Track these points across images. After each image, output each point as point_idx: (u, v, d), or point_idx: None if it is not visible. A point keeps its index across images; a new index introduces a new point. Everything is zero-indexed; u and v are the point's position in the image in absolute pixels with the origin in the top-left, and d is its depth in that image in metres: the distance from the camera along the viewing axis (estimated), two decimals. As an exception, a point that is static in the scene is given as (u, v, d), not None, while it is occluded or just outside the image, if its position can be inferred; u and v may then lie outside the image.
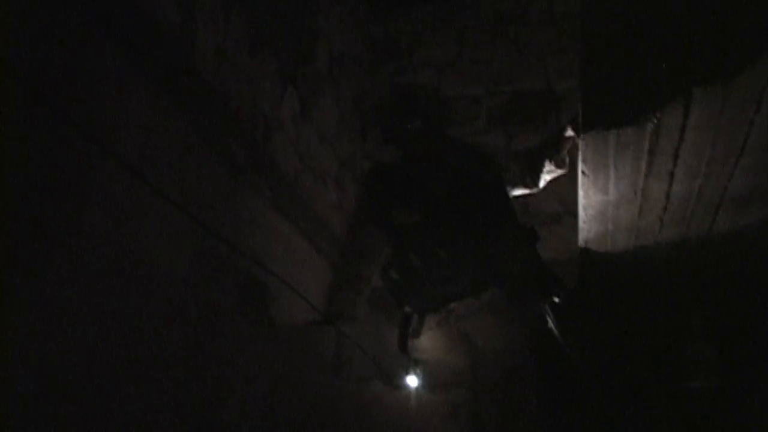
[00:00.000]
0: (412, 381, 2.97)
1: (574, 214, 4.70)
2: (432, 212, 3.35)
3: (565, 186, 5.04)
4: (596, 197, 3.54)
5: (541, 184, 3.76)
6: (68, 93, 2.03)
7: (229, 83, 3.23)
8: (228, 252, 2.91)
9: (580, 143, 3.16)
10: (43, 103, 1.91)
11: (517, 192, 3.80)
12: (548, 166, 3.74)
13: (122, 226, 2.28)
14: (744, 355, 3.58)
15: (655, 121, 2.92)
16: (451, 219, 3.33)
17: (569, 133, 3.63)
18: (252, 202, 3.27)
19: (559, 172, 3.80)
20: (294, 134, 4.03)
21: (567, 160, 3.79)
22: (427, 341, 4.24)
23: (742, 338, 3.51)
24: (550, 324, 3.40)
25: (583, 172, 3.39)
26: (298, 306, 3.61)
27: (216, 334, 2.75)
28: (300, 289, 3.66)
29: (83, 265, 2.08)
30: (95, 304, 2.12)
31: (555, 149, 3.75)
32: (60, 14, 2.01)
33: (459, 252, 3.36)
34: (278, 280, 3.33)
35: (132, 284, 2.31)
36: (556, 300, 3.44)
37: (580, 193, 3.57)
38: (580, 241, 3.97)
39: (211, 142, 2.90)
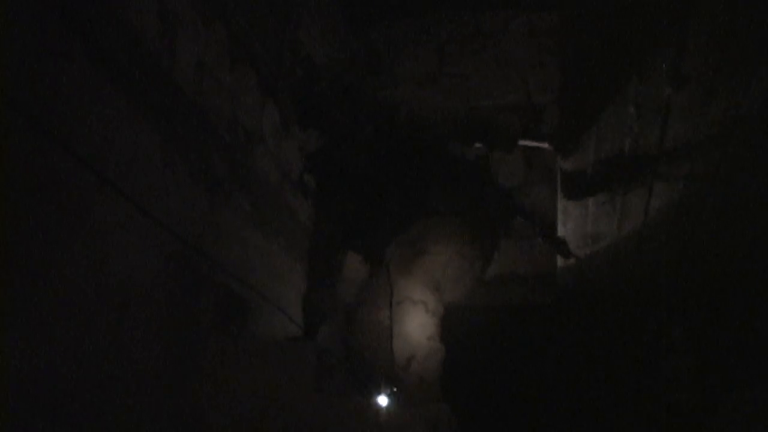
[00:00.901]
0: (390, 397, 2.97)
1: (554, 227, 4.75)
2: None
3: (546, 198, 5.09)
4: (575, 210, 3.58)
5: None
6: (46, 107, 2.02)
7: (209, 97, 3.22)
8: (208, 267, 2.90)
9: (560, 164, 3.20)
10: (23, 117, 1.90)
11: None
12: None
13: (101, 242, 2.26)
14: (722, 366, 3.60)
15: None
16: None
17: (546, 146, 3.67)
18: (232, 216, 3.26)
19: None
20: (275, 147, 4.02)
21: None
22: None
23: (722, 349, 3.54)
24: None
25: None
26: (279, 320, 3.60)
27: (197, 350, 2.74)
28: (280, 303, 3.65)
29: (63, 282, 2.06)
30: (74, 321, 2.10)
31: None
32: (40, 31, 2.00)
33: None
34: (258, 296, 3.32)
35: (112, 300, 2.29)
36: None
37: (559, 206, 3.61)
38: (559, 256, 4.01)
39: (191, 156, 2.89)
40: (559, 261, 4.02)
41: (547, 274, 4.49)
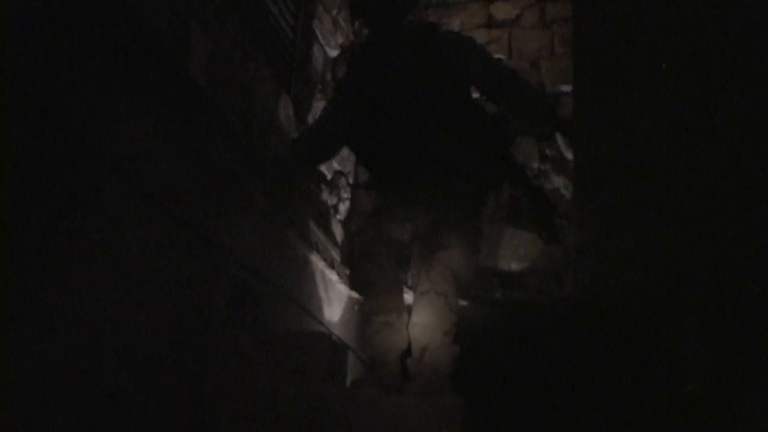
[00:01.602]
0: (404, 388, 2.97)
1: (568, 219, 4.74)
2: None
3: (559, 190, 5.08)
4: (590, 203, 3.56)
5: None
6: (62, 100, 2.03)
7: (223, 89, 3.24)
8: (222, 258, 2.92)
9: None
10: (40, 111, 1.92)
11: None
12: None
13: (115, 231, 2.28)
14: (740, 358, 3.58)
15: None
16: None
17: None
18: (245, 208, 3.28)
19: None
20: (289, 140, 4.03)
21: None
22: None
23: (738, 342, 3.52)
24: None
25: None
26: (294, 312, 3.62)
27: (209, 341, 2.75)
28: (295, 295, 3.66)
29: (81, 269, 2.08)
30: (91, 307, 2.12)
31: None
32: (55, 24, 2.01)
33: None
34: (272, 287, 3.33)
35: (125, 289, 2.31)
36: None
37: (574, 198, 3.60)
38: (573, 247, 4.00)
39: (204, 149, 2.90)
40: (573, 253, 4.01)
41: (561, 268, 4.49)
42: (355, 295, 4.35)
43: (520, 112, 3.66)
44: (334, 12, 5.05)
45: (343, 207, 5.07)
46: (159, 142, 2.54)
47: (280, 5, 4.14)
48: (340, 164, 5.06)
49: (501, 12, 5.66)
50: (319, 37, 4.71)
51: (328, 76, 4.88)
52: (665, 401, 3.53)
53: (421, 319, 3.15)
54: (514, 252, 5.02)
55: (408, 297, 3.42)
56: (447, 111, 3.33)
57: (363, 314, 3.33)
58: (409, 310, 3.28)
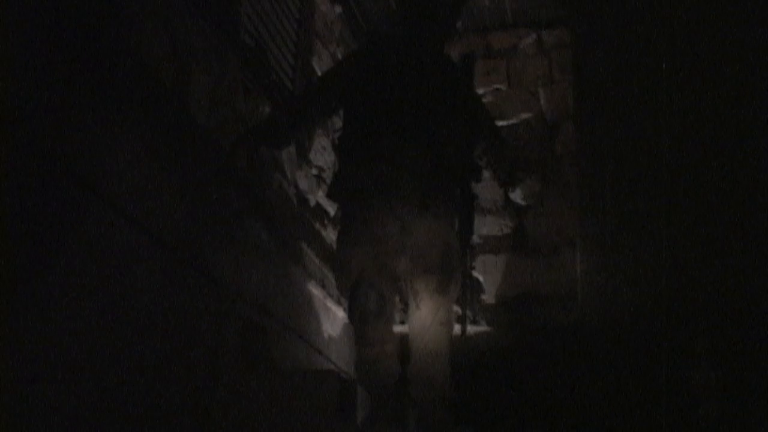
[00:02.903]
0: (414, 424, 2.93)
1: (573, 244, 4.72)
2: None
3: (563, 215, 5.07)
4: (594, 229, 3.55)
5: None
6: (68, 143, 2.04)
7: (223, 126, 3.24)
8: (228, 295, 2.91)
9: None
10: (47, 155, 1.92)
11: None
12: None
13: (122, 274, 2.27)
14: (749, 380, 3.54)
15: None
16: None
17: None
18: (251, 245, 3.27)
19: None
20: (291, 175, 4.04)
21: None
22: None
23: (748, 363, 3.48)
24: None
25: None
26: (302, 350, 3.60)
27: (217, 379, 2.73)
28: (303, 332, 3.64)
29: (85, 312, 2.07)
30: (96, 350, 2.10)
31: None
32: (60, 67, 2.02)
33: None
34: (279, 324, 3.31)
35: (132, 330, 2.30)
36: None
37: (579, 224, 3.59)
38: (579, 273, 3.98)
39: (206, 188, 2.90)
40: (580, 280, 3.99)
41: (568, 294, 4.46)
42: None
43: (493, 164, 3.73)
44: (332, 47, 5.09)
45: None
46: (162, 181, 2.54)
47: (278, 42, 4.17)
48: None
49: (498, 41, 5.69)
50: (318, 72, 4.74)
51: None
52: (677, 424, 3.49)
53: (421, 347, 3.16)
54: (519, 279, 5.01)
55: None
56: (450, 116, 3.42)
57: (361, 344, 3.30)
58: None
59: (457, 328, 3.42)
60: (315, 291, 4.06)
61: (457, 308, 3.43)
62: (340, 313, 4.40)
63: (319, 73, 4.72)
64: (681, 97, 3.49)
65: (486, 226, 5.19)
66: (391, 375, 3.18)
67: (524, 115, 5.44)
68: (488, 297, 4.94)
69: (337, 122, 4.84)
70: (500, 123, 5.35)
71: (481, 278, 4.98)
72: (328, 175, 4.66)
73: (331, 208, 4.77)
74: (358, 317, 3.35)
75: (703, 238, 3.37)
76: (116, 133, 2.28)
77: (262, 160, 3.64)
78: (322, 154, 4.68)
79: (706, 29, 3.42)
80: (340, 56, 5.17)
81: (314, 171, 4.52)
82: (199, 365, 2.68)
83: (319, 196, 4.54)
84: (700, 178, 3.39)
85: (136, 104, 2.40)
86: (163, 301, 2.48)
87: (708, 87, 3.33)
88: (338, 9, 5.26)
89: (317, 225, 4.46)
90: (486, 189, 4.85)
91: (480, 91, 5.40)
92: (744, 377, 3.57)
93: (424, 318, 3.24)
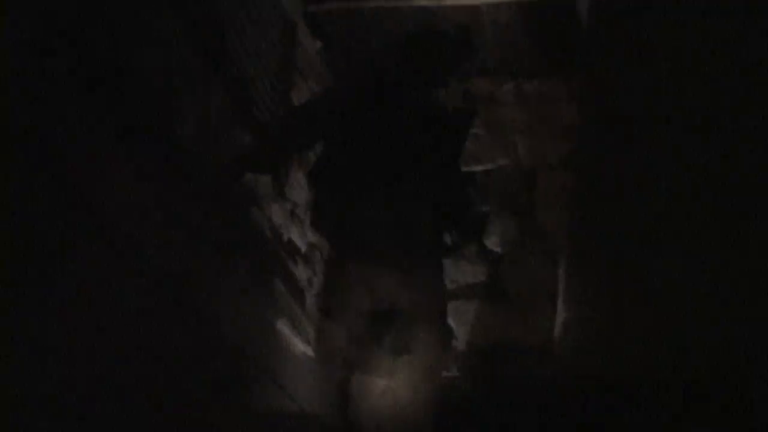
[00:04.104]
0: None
1: (551, 295, 4.66)
2: None
3: (538, 267, 5.02)
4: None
5: None
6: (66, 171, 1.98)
7: (212, 151, 3.17)
8: (210, 334, 2.79)
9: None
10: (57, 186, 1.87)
11: None
12: None
13: (107, 294, 2.18)
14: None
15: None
16: None
17: None
18: (232, 283, 3.17)
19: None
20: (267, 209, 3.94)
21: None
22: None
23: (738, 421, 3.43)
24: None
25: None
26: (278, 396, 3.47)
27: (190, 422, 2.60)
28: (279, 378, 3.52)
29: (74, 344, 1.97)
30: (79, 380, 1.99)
31: None
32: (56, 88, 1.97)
33: None
34: (256, 368, 3.19)
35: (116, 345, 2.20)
36: None
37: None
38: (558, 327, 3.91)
39: (193, 219, 2.80)
40: (557, 330, 3.92)
41: (545, 344, 4.39)
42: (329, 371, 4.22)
43: None
44: (311, 82, 5.03)
45: (317, 281, 4.93)
46: (153, 210, 2.45)
47: (260, 74, 4.09)
48: (313, 235, 4.95)
49: (478, 88, 5.66)
50: (295, 104, 4.67)
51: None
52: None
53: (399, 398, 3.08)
54: (492, 327, 4.92)
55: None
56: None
57: (367, 381, 3.23)
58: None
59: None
60: (289, 333, 3.95)
61: None
62: (311, 354, 4.28)
63: (297, 105, 4.65)
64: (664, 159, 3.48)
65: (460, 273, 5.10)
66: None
67: (501, 161, 5.40)
68: (460, 344, 4.83)
69: (312, 156, 4.78)
70: (477, 168, 5.34)
71: (453, 325, 4.86)
72: (302, 211, 4.57)
73: (302, 245, 4.66)
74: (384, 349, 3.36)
75: (697, 298, 3.33)
76: (115, 157, 2.21)
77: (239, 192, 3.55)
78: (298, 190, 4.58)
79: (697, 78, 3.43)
80: (316, 90, 5.11)
81: (288, 206, 4.41)
82: (174, 404, 2.54)
83: (291, 232, 4.44)
84: (684, 240, 3.37)
85: (134, 131, 2.33)
86: (151, 334, 2.37)
87: (700, 139, 3.32)
88: (318, 44, 5.21)
89: (290, 264, 4.34)
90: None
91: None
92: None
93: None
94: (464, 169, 5.25)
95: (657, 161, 3.36)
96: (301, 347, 4.16)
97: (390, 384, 3.42)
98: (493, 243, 5.09)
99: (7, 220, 1.80)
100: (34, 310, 1.91)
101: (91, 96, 2.18)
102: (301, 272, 4.56)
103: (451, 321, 4.89)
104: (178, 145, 2.76)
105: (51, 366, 1.95)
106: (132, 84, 2.46)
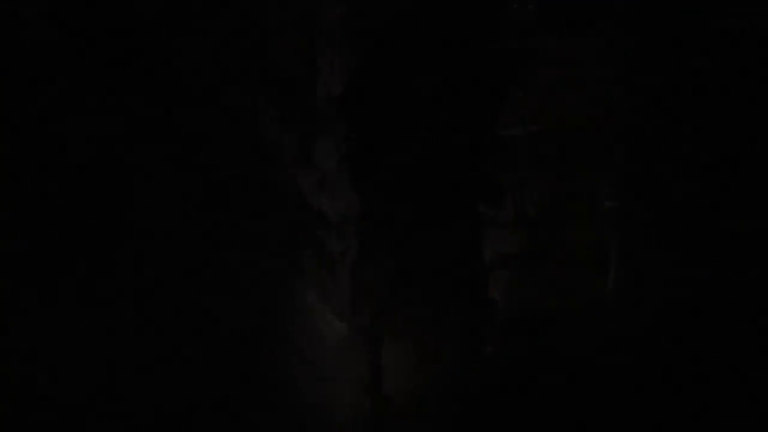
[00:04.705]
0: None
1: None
2: None
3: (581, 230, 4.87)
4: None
5: None
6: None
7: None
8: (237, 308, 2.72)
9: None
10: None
11: None
12: None
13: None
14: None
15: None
16: None
17: None
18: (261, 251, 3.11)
19: None
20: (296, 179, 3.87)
21: None
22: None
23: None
24: None
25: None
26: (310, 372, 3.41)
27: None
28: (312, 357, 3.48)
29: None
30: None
31: None
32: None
33: None
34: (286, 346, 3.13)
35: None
36: None
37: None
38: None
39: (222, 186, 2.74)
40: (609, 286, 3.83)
41: (590, 309, 4.27)
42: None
43: None
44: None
45: (350, 253, 4.82)
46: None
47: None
48: (345, 205, 4.83)
49: (514, 48, 5.53)
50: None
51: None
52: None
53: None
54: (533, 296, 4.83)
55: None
56: None
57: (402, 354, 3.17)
58: None
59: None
60: (314, 302, 3.86)
61: None
62: (337, 324, 4.19)
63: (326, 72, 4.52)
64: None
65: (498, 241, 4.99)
66: None
67: (538, 124, 5.27)
68: (500, 313, 4.72)
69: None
70: (514, 131, 5.21)
71: (493, 294, 4.74)
72: (332, 180, 4.45)
73: (334, 216, 4.55)
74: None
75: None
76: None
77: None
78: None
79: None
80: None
81: (317, 174, 4.30)
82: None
83: (321, 203, 4.34)
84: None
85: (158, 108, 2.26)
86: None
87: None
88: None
89: (321, 233, 4.24)
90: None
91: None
92: None
93: None
94: (502, 133, 5.13)
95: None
96: (331, 320, 4.07)
97: (426, 356, 3.32)
98: (530, 209, 4.99)
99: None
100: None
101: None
102: (332, 244, 4.46)
103: (491, 290, 4.78)
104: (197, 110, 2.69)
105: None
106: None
